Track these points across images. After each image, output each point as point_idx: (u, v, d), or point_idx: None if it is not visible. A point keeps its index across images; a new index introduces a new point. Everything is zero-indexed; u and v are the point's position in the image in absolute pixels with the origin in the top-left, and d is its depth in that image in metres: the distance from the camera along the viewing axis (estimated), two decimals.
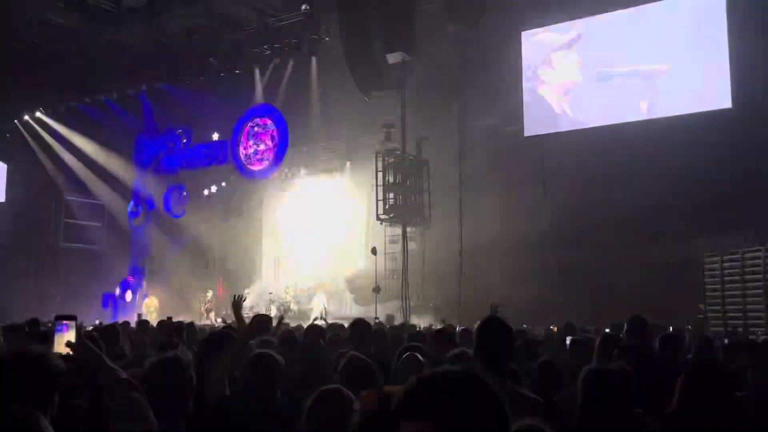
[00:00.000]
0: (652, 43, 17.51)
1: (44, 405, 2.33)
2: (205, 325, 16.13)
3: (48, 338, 2.68)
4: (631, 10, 17.95)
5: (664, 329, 8.65)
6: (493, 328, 3.58)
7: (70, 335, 2.57)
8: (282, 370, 3.91)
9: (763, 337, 10.58)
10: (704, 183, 15.40)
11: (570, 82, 18.82)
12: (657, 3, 17.58)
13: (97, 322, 15.52)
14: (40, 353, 2.41)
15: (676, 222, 15.94)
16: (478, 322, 3.78)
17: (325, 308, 21.27)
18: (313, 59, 20.70)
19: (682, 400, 3.48)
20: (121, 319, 16.66)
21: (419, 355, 4.56)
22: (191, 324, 9.58)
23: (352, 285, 22.52)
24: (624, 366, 4.01)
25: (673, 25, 17.24)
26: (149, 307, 23.19)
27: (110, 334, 6.80)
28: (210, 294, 23.02)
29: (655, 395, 4.18)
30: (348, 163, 23.81)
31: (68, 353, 2.52)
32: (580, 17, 18.63)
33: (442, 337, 6.09)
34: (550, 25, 18.96)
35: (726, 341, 8.47)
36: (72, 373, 2.77)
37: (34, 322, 9.49)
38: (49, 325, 10.38)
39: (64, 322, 2.60)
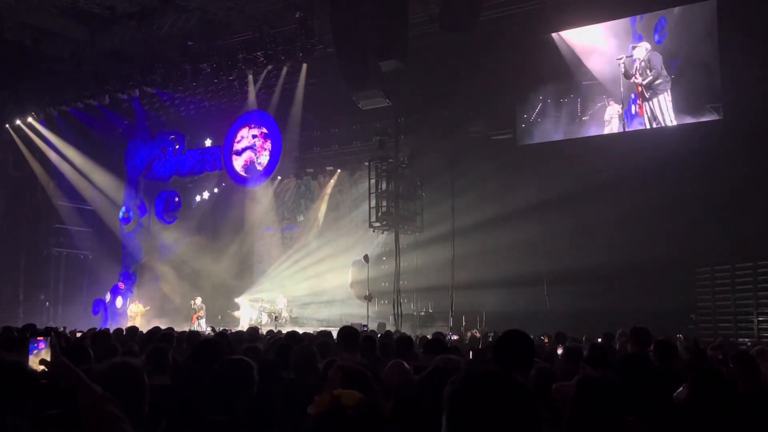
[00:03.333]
0: (642, 55, 17.59)
1: (19, 410, 2.29)
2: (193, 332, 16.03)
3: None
4: (622, 21, 18.06)
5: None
6: (514, 339, 3.66)
7: (46, 352, 2.47)
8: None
9: (756, 347, 10.61)
10: (696, 193, 15.47)
11: (561, 91, 18.87)
12: (648, 15, 17.67)
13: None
14: (15, 360, 2.37)
15: (666, 233, 16.00)
16: (500, 333, 3.90)
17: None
18: (304, 66, 20.71)
19: (691, 410, 3.51)
20: (110, 325, 16.61)
21: (404, 363, 4.58)
22: (195, 333, 9.57)
23: (345, 292, 22.48)
24: (613, 376, 4.01)
25: (664, 36, 17.35)
26: (134, 312, 23.06)
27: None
28: (199, 301, 22.93)
29: (654, 403, 4.19)
30: (339, 171, 23.83)
31: (43, 370, 2.45)
32: (573, 27, 18.71)
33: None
34: (542, 35, 19.03)
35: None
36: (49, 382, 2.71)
37: (29, 329, 9.44)
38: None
39: (39, 338, 2.48)
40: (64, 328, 14.81)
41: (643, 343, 5.84)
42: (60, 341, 8.07)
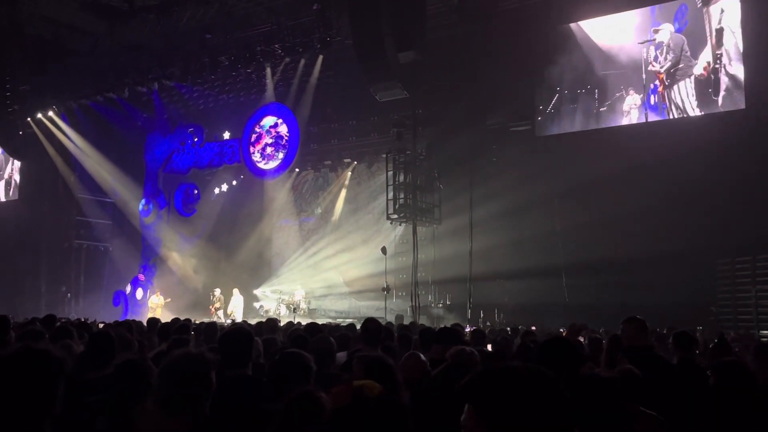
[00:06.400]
0: (666, 38, 17.41)
1: (49, 402, 2.29)
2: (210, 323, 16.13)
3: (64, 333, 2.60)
4: (642, 10, 17.90)
5: (665, 335, 8.56)
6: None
7: None
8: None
9: None
10: (717, 184, 15.28)
11: (578, 82, 18.74)
12: (668, 3, 17.49)
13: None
14: (41, 348, 2.37)
15: (687, 224, 15.84)
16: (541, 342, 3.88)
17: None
18: (320, 57, 20.70)
19: (713, 403, 3.50)
20: (131, 317, 16.75)
21: (421, 355, 4.59)
22: (212, 323, 9.63)
23: (363, 284, 22.53)
24: (632, 369, 4.00)
25: (685, 25, 17.17)
26: (154, 304, 23.27)
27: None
28: (218, 293, 23.08)
29: (664, 395, 4.17)
30: (356, 163, 23.85)
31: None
32: (592, 17, 18.57)
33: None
34: (561, 25, 18.90)
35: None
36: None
37: (50, 319, 9.56)
38: (63, 320, 10.43)
39: None
40: (86, 318, 15.01)
41: (640, 335, 5.72)
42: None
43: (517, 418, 1.49)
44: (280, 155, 23.00)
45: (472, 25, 17.51)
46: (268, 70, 21.96)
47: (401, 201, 19.65)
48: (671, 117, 17.27)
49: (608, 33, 18.44)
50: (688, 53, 17.02)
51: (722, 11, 16.64)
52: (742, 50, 16.11)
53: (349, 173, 24.22)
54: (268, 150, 23.36)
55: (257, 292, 24.63)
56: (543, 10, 18.33)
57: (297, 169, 24.55)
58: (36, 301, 24.50)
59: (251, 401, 3.70)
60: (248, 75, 22.63)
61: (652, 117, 17.52)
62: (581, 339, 8.31)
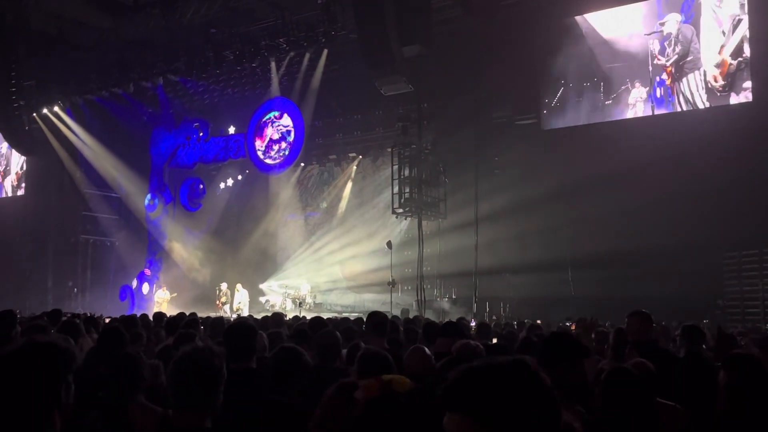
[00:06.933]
0: (673, 29, 17.31)
1: (56, 394, 2.24)
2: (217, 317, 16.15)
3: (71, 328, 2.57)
4: (650, 2, 17.80)
5: (670, 329, 8.52)
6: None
7: None
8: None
9: None
10: (724, 177, 15.19)
11: (583, 75, 18.66)
12: None
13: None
14: (47, 341, 2.32)
15: (693, 217, 15.76)
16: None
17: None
18: (324, 52, 20.66)
19: (728, 398, 3.49)
20: (137, 311, 16.79)
21: (426, 349, 4.58)
22: (219, 318, 9.63)
23: (368, 278, 22.52)
24: (644, 363, 4.00)
25: (691, 17, 17.07)
26: (161, 299, 23.31)
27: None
28: (224, 287, 23.12)
29: (672, 388, 4.17)
30: (361, 157, 23.82)
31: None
32: (597, 10, 18.48)
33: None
34: (566, 18, 18.81)
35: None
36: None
37: (56, 313, 9.59)
38: (68, 315, 10.46)
39: None
40: (93, 313, 15.02)
41: (644, 328, 5.70)
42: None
43: (516, 412, 1.42)
44: (285, 150, 22.98)
45: (477, 19, 17.45)
46: (273, 65, 21.94)
47: (406, 195, 19.62)
48: (679, 110, 17.18)
49: (613, 25, 18.35)
50: (697, 45, 16.90)
51: (728, 5, 16.54)
52: (749, 42, 15.99)
53: (354, 167, 24.18)
54: (274, 145, 23.35)
55: (263, 286, 24.65)
56: (547, 3, 18.25)
57: (302, 164, 24.54)
58: (42, 296, 24.60)
59: (254, 394, 3.70)
60: (253, 69, 22.61)
61: (658, 110, 17.44)
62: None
